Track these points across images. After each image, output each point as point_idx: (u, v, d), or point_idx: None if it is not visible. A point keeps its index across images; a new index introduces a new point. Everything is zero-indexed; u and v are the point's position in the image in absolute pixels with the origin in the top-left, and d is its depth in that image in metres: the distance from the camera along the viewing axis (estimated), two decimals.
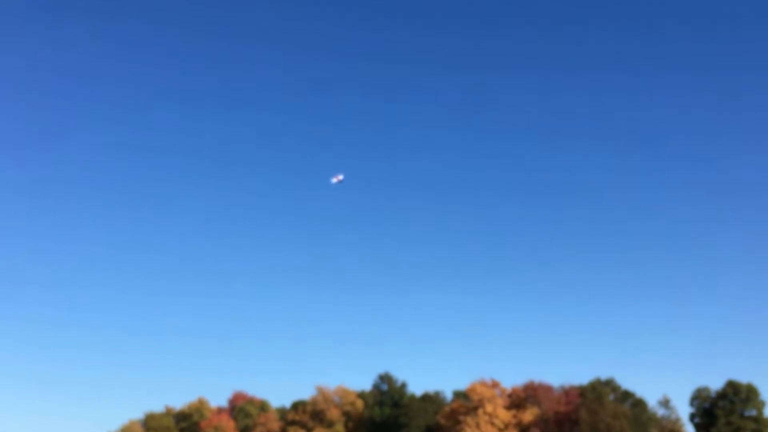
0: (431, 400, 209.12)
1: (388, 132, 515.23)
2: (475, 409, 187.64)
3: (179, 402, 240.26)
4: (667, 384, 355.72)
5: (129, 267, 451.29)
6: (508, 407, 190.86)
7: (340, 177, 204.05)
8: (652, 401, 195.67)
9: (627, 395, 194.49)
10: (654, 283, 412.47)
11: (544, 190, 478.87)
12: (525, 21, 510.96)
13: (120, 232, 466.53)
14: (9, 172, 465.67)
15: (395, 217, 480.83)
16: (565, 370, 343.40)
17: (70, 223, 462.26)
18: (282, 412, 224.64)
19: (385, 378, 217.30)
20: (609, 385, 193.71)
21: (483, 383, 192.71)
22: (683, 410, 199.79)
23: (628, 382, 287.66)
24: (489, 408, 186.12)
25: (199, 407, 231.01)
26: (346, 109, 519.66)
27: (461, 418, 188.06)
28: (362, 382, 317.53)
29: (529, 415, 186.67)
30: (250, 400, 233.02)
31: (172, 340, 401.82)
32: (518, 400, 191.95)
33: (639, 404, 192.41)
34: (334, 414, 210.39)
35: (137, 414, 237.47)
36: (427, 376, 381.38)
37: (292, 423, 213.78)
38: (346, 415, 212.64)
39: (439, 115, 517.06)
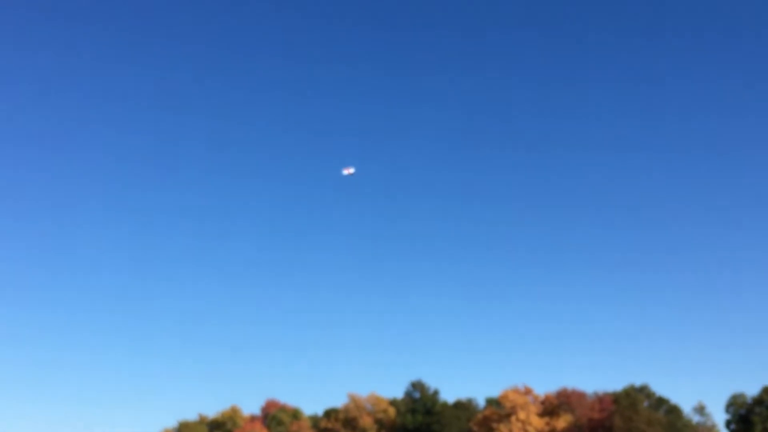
0: (464, 407, 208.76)
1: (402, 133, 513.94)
2: (508, 416, 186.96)
3: (212, 410, 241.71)
4: (703, 390, 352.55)
5: (163, 276, 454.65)
6: (541, 414, 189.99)
7: (351, 170, 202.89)
8: (687, 408, 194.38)
9: (661, 402, 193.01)
10: (689, 288, 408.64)
11: (572, 193, 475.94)
12: (527, 21, 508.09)
13: (154, 242, 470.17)
14: (9, 173, 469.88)
15: (422, 222, 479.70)
16: (599, 377, 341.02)
17: (98, 229, 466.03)
18: (314, 420, 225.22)
19: (417, 385, 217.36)
20: (643, 391, 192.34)
21: (516, 390, 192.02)
22: (719, 417, 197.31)
23: (662, 388, 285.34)
24: (522, 415, 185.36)
25: (232, 415, 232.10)
26: (354, 110, 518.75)
27: (494, 425, 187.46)
28: (394, 389, 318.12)
29: (562, 422, 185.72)
30: (283, 408, 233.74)
31: (206, 348, 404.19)
32: (551, 406, 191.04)
33: (674, 411, 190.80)
34: (366, 421, 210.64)
35: (171, 422, 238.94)
36: (460, 383, 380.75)
37: (325, 430, 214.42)
38: (379, 422, 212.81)
39: (454, 116, 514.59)
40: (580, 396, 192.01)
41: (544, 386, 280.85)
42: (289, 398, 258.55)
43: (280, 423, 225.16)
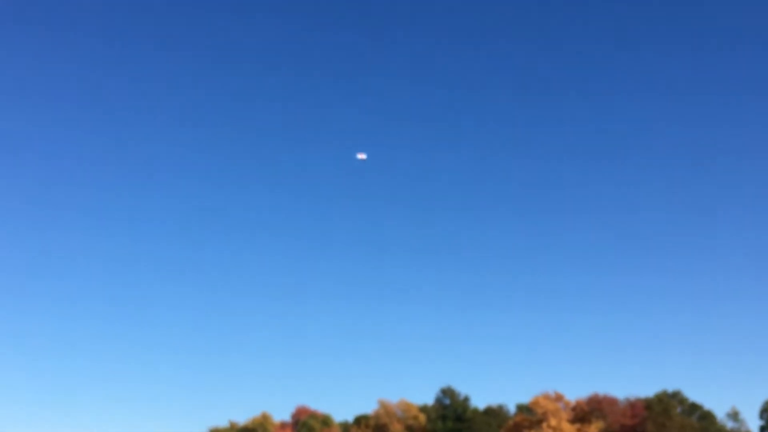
0: (494, 413, 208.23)
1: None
2: (539, 422, 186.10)
3: (243, 417, 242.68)
4: (736, 395, 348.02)
5: (194, 282, 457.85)
6: (573, 420, 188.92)
7: (364, 155, 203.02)
8: (720, 414, 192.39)
9: (694, 408, 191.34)
10: (722, 293, 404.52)
11: (607, 195, 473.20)
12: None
13: (177, 244, 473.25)
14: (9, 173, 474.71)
15: (446, 222, 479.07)
16: (630, 383, 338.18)
17: (122, 228, 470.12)
18: (345, 427, 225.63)
19: (447, 392, 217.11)
20: (676, 397, 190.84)
21: (546, 396, 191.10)
22: (753, 423, 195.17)
23: (695, 394, 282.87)
24: (553, 421, 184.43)
25: (263, 422, 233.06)
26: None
27: (525, 431, 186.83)
28: (424, 395, 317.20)
29: (594, 429, 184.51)
30: (313, 415, 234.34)
31: (236, 354, 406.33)
32: (583, 413, 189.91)
33: (707, 417, 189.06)
34: (396, 428, 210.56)
35: (201, 429, 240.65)
36: (490, 390, 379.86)
37: None
38: (409, 429, 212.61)
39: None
40: (612, 402, 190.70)
41: (575, 392, 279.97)
42: (319, 405, 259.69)
43: (310, 430, 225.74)
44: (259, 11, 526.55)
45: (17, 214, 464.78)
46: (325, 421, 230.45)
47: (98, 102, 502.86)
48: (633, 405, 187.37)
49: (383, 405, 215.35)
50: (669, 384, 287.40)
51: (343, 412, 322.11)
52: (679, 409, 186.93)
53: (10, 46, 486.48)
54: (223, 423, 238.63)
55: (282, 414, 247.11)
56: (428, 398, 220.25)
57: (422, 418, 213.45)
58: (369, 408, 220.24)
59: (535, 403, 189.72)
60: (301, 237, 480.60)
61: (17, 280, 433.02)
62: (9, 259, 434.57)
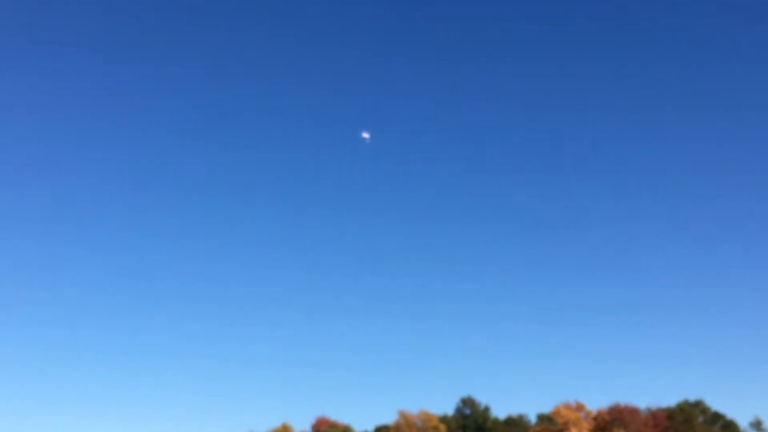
0: (515, 423, 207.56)
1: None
2: None
3: (263, 427, 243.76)
4: (759, 404, 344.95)
5: (216, 293, 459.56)
6: (594, 430, 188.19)
7: (367, 135, 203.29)
8: (743, 423, 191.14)
9: (717, 417, 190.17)
10: (743, 301, 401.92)
11: (630, 191, 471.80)
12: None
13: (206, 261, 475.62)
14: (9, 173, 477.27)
15: (471, 241, 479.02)
16: (652, 392, 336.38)
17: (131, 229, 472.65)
18: None
19: (467, 401, 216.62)
20: (698, 406, 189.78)
21: (567, 406, 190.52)
22: None
23: (717, 403, 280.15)
24: (574, 431, 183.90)
25: None
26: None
27: None
28: (445, 405, 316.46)
29: None
30: (333, 425, 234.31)
31: (256, 364, 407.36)
32: (604, 422, 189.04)
33: (730, 426, 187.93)
34: None
35: None
36: (511, 399, 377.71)
37: None
38: None
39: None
40: (633, 412, 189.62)
41: (596, 402, 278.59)
42: (339, 415, 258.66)
43: None
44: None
45: (17, 214, 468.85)
46: (345, 431, 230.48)
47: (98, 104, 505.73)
48: (655, 415, 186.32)
49: (403, 415, 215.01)
50: (691, 393, 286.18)
51: (363, 423, 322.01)
52: (701, 419, 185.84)
53: (9, 46, 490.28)
54: None
55: (302, 424, 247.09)
56: (448, 408, 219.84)
57: (442, 428, 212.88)
58: (389, 418, 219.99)
59: (556, 412, 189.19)
60: (322, 250, 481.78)
61: (17, 280, 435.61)
62: (9, 260, 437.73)
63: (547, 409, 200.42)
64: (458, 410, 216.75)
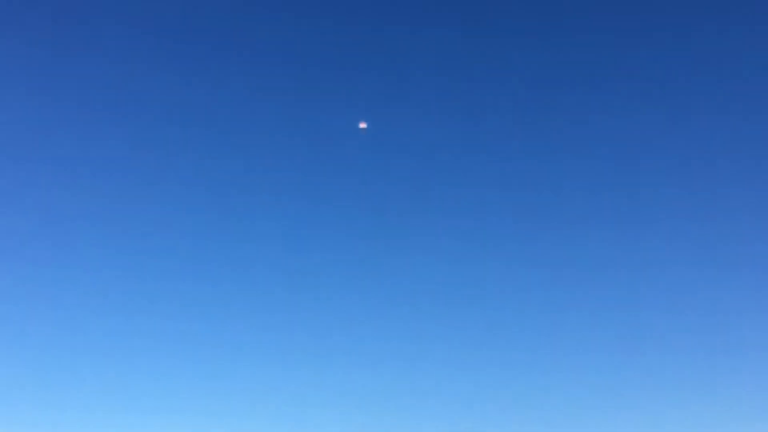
0: None
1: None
2: None
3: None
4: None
5: (219, 295, 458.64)
6: None
7: (364, 124, 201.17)
8: None
9: None
10: (743, 299, 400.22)
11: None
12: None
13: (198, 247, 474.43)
14: (9, 173, 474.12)
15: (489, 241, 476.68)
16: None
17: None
18: None
19: None
20: None
21: None
22: None
23: None
24: None
25: None
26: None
27: None
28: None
29: None
30: None
31: (256, 364, 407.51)
32: None
33: None
34: None
35: None
36: None
37: None
38: None
39: None
40: None
41: None
42: None
43: None
44: None
45: (17, 214, 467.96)
46: None
47: (98, 99, 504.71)
48: None
49: None
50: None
51: None
52: None
53: (9, 46, 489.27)
54: None
55: None
56: None
57: None
58: None
59: None
60: (322, 248, 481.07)
61: (18, 280, 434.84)
62: (8, 259, 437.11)
63: None
64: None
